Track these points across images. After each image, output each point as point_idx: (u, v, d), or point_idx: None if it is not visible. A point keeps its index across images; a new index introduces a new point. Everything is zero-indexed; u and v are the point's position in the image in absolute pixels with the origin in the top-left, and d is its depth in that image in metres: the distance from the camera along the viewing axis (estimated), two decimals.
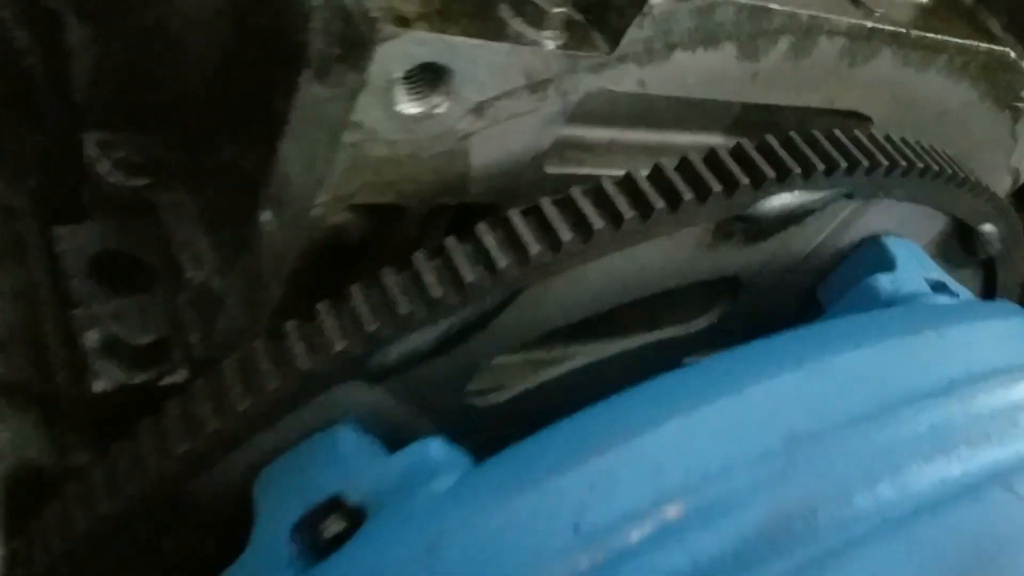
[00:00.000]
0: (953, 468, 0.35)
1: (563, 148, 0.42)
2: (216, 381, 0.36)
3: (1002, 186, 0.65)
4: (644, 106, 0.43)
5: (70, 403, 0.42)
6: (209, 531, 0.39)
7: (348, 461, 0.39)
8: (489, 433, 0.44)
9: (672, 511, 0.32)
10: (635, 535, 0.32)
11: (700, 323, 0.50)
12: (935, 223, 0.54)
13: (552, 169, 0.41)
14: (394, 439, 0.40)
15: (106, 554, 0.38)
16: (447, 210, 0.41)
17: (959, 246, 0.57)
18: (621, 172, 0.40)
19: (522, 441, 0.37)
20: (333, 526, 0.38)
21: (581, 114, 0.41)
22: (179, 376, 0.44)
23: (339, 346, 0.36)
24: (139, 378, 0.43)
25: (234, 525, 0.39)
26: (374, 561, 0.35)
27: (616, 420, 0.36)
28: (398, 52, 0.32)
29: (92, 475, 0.36)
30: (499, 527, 0.34)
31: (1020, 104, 0.60)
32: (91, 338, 0.43)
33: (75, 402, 0.42)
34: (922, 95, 0.52)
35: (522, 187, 0.41)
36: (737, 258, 0.46)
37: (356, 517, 0.38)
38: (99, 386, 0.42)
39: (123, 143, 0.53)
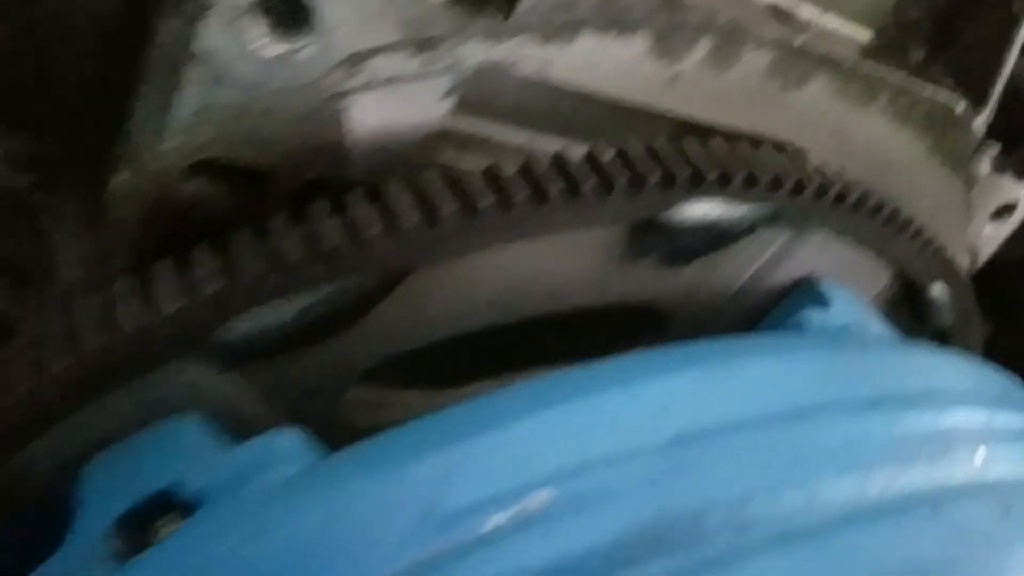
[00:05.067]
0: (872, 485, 0.29)
1: (460, 142, 0.39)
2: (31, 339, 0.31)
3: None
4: (555, 106, 0.40)
5: None
6: (28, 525, 0.34)
7: (186, 453, 0.33)
8: None
9: (538, 500, 0.27)
10: (493, 522, 0.27)
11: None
12: (878, 277, 0.50)
13: (446, 162, 0.38)
14: None
15: None
16: (323, 190, 0.37)
17: (908, 311, 0.54)
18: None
19: (379, 433, 0.32)
20: (169, 525, 0.33)
21: (481, 103, 0.38)
22: None
23: (171, 307, 0.31)
24: None
25: (44, 523, 0.33)
26: (191, 553, 0.29)
27: (483, 410, 0.31)
28: None
29: None
30: (337, 512, 0.28)
31: (972, 171, 0.57)
32: None
33: None
34: (863, 137, 0.50)
35: (410, 174, 0.37)
36: (655, 282, 0.42)
37: (187, 514, 0.33)
38: None
39: (10, 135, 0.50)
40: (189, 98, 0.31)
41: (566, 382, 0.31)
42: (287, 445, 0.33)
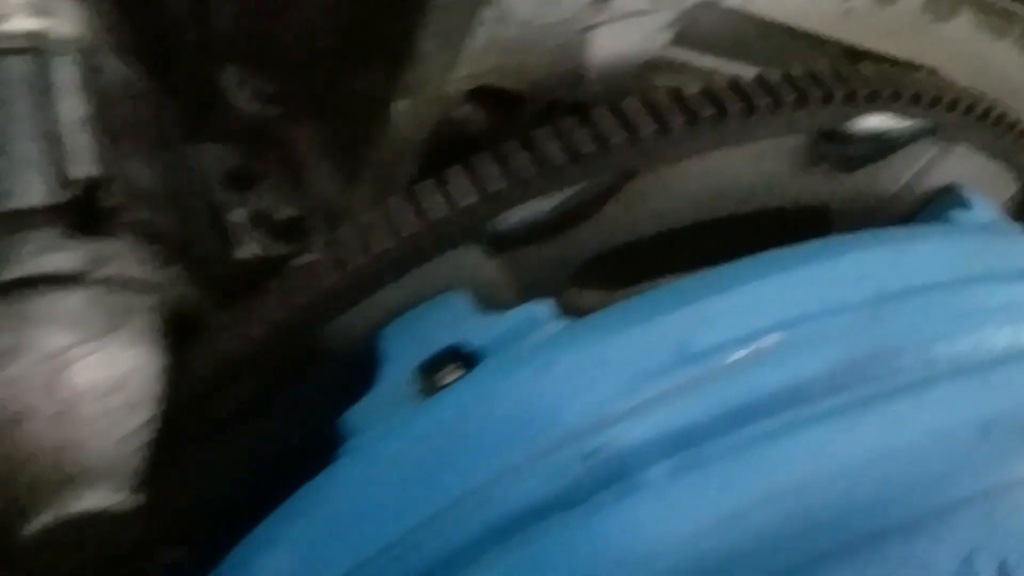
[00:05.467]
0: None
1: (670, 70, 0.47)
2: (361, 224, 0.40)
3: None
4: (747, 35, 0.47)
5: (213, 267, 0.47)
6: (339, 376, 0.43)
7: (465, 318, 0.43)
8: None
9: (769, 341, 0.36)
10: (734, 357, 0.35)
11: None
12: (1008, 186, 0.57)
13: (656, 80, 0.46)
14: None
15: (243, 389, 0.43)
16: (560, 109, 0.45)
17: None
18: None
19: (628, 298, 0.41)
20: (451, 375, 0.42)
21: (689, 38, 0.46)
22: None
23: (465, 202, 0.40)
24: (278, 251, 0.47)
25: (362, 372, 0.43)
26: (480, 392, 0.38)
27: (716, 277, 0.39)
28: None
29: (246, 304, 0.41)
30: (605, 352, 0.37)
31: None
32: (238, 213, 0.47)
33: (218, 267, 0.47)
34: (997, 66, 0.56)
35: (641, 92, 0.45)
36: (827, 186, 0.49)
37: (470, 365, 0.42)
38: (242, 253, 0.47)
39: (257, 75, 0.59)
40: (480, 35, 0.40)
41: (788, 254, 0.39)
42: (545, 312, 0.42)
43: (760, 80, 0.43)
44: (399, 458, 0.38)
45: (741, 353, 0.36)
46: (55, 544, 0.38)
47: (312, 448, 0.45)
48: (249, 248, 0.48)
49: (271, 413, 0.45)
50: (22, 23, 0.51)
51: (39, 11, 0.51)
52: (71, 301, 0.40)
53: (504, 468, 0.35)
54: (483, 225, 0.42)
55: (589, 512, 0.33)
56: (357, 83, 0.57)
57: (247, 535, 0.42)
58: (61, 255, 0.41)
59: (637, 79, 0.45)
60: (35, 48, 0.49)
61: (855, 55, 0.50)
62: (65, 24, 0.52)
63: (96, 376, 0.39)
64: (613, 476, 0.33)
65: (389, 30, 0.52)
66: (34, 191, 0.42)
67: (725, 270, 0.39)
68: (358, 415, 0.42)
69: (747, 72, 0.49)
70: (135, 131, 0.50)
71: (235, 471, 0.46)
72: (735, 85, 0.43)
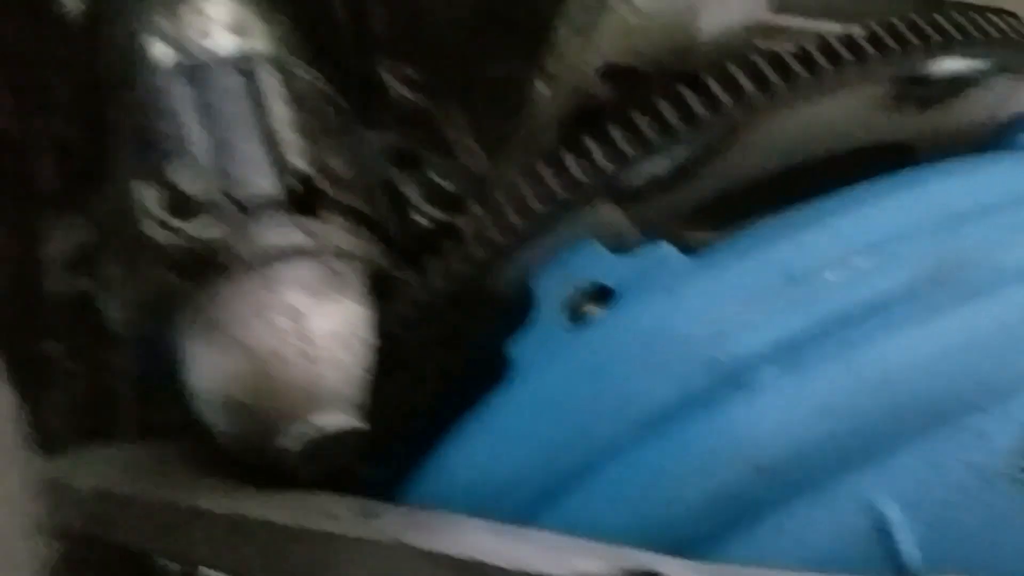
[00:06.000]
0: None
1: (768, 33, 0.54)
2: (515, 191, 0.50)
3: None
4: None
5: (394, 234, 0.58)
6: (499, 316, 0.54)
7: (601, 260, 0.52)
8: None
9: (858, 261, 0.44)
10: (831, 277, 0.43)
11: None
12: None
13: (760, 43, 0.54)
14: None
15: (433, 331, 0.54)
16: (674, 76, 0.54)
17: None
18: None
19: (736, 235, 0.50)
20: (590, 305, 0.52)
21: (785, 4, 0.53)
22: None
23: (600, 165, 0.49)
24: (445, 217, 0.58)
25: (521, 309, 0.53)
26: (629, 316, 0.48)
27: (812, 210, 0.47)
28: None
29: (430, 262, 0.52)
30: (723, 280, 0.46)
31: None
32: (414, 190, 0.58)
33: (398, 234, 0.58)
34: None
35: (732, 60, 0.53)
36: (911, 123, 0.56)
37: (608, 297, 0.52)
38: (420, 220, 0.57)
39: (408, 67, 0.69)
40: (609, 22, 0.49)
41: (873, 187, 0.47)
42: (668, 251, 0.51)
43: (845, 37, 0.50)
44: (563, 375, 0.49)
45: (834, 273, 0.44)
46: (308, 455, 0.50)
47: (483, 373, 0.56)
48: (422, 217, 0.58)
49: (453, 347, 0.56)
50: (224, 39, 0.62)
51: (235, 28, 0.63)
52: (304, 269, 0.52)
53: (646, 377, 0.45)
54: (614, 183, 0.51)
55: (715, 407, 0.42)
56: (497, 68, 0.66)
57: (439, 444, 0.53)
58: (292, 232, 0.52)
59: (741, 44, 0.53)
60: (241, 61, 0.61)
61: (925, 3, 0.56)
62: (258, 37, 0.64)
63: (328, 325, 0.50)
64: (733, 378, 0.42)
65: (525, 20, 0.61)
66: (263, 182, 0.54)
67: (819, 204, 0.47)
68: (521, 343, 0.52)
69: (831, 27, 0.57)
70: (326, 126, 0.61)
71: (425, 396, 0.58)
72: (823, 44, 0.50)
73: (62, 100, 0.71)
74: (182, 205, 0.49)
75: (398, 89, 0.69)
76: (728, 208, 0.57)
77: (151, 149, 0.55)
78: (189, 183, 0.50)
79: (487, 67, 0.69)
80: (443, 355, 0.56)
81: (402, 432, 0.57)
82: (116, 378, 0.66)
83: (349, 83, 0.71)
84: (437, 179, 0.59)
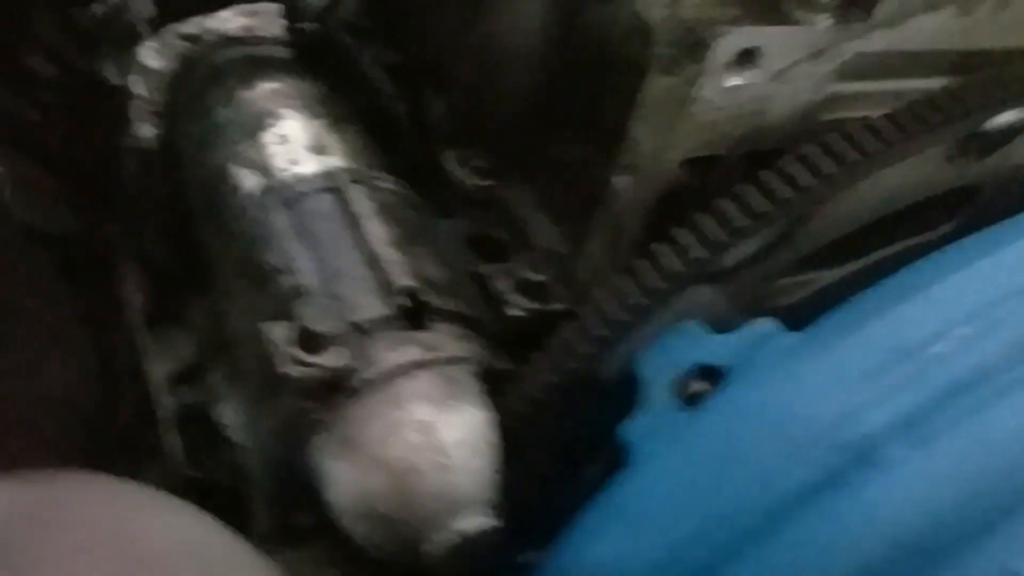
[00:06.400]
0: None
1: (830, 101, 0.57)
2: (615, 286, 0.53)
3: None
4: (886, 61, 0.57)
5: (491, 327, 0.61)
6: (604, 400, 0.57)
7: (703, 340, 0.55)
8: None
9: (960, 331, 0.47)
10: (939, 348, 0.46)
11: (944, 228, 0.63)
12: None
13: (823, 117, 0.57)
14: None
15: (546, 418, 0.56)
16: (745, 158, 0.57)
17: None
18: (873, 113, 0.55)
19: (835, 309, 0.53)
20: (699, 386, 0.55)
21: (845, 75, 0.56)
22: (559, 305, 0.61)
23: (695, 253, 0.52)
24: (536, 306, 0.61)
25: (626, 393, 0.56)
26: (744, 397, 0.51)
27: (910, 278, 0.50)
28: (728, 44, 0.49)
29: (539, 358, 0.55)
30: (835, 359, 0.49)
31: None
32: (504, 283, 0.61)
33: (495, 326, 0.61)
34: None
35: (801, 134, 0.56)
36: (973, 170, 0.59)
37: (715, 377, 0.54)
38: (513, 312, 0.60)
39: (472, 155, 0.72)
40: (687, 126, 0.51)
41: (959, 251, 0.50)
42: (770, 327, 0.54)
43: (909, 108, 0.53)
44: (686, 459, 0.51)
45: (942, 344, 0.47)
46: (453, 557, 0.53)
47: (594, 457, 0.58)
48: (514, 308, 0.61)
49: (564, 434, 0.59)
50: (309, 161, 0.65)
51: (316, 147, 0.66)
52: (424, 381, 0.55)
53: (776, 460, 0.48)
54: (708, 269, 0.54)
55: (850, 487, 0.45)
56: (558, 150, 0.69)
57: (566, 530, 0.56)
58: (409, 347, 0.55)
59: (811, 119, 0.56)
60: (328, 180, 0.63)
61: (975, 56, 0.59)
62: (337, 153, 0.67)
63: (457, 434, 0.54)
64: (864, 457, 0.44)
65: (580, 105, 0.64)
66: (374, 303, 0.57)
67: (914, 272, 0.50)
68: (634, 427, 0.55)
69: (887, 86, 0.59)
70: (414, 232, 0.64)
71: (543, 484, 0.60)
72: (891, 117, 0.53)
73: (148, 223, 0.75)
74: (311, 341, 0.52)
75: (466, 177, 0.73)
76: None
77: (266, 284, 0.59)
78: (314, 320, 0.53)
79: (549, 149, 0.72)
80: (556, 444, 0.59)
81: (528, 520, 0.60)
82: (237, 480, 0.70)
83: (416, 177, 0.74)
84: (525, 273, 0.61)
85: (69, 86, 0.88)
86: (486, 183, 0.71)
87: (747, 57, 0.50)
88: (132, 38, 0.85)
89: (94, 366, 0.93)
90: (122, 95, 0.83)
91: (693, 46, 0.50)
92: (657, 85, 0.53)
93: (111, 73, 0.85)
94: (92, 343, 0.93)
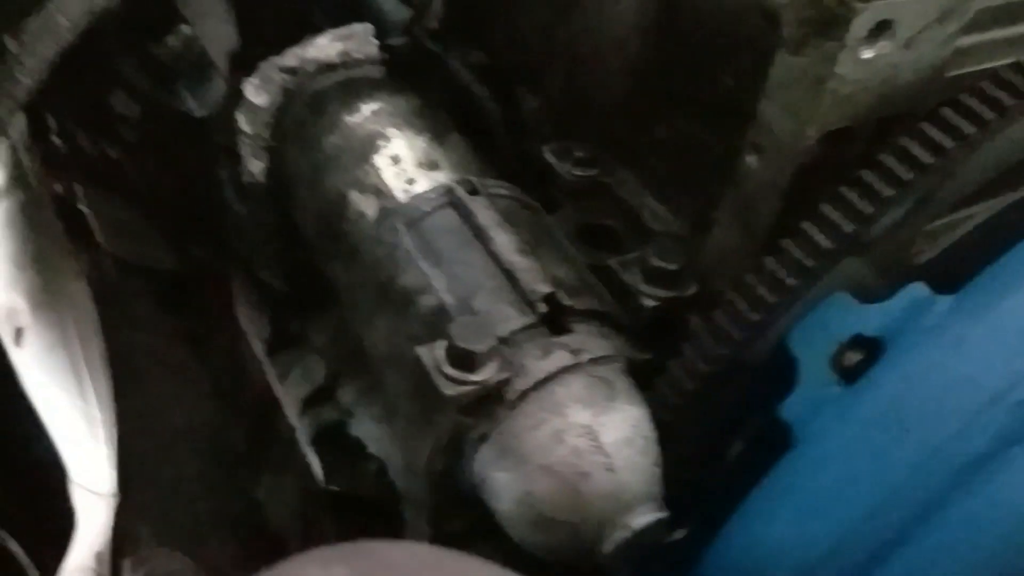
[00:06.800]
0: None
1: (955, 56, 0.56)
2: (766, 268, 0.53)
3: None
4: (1009, 9, 0.56)
5: (627, 319, 0.61)
6: (755, 383, 0.57)
7: (856, 311, 0.54)
8: None
9: None
10: None
11: None
12: None
13: (950, 73, 0.55)
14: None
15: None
16: (874, 125, 0.56)
17: None
18: (996, 63, 0.54)
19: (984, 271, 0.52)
20: (855, 357, 0.54)
21: (967, 27, 0.55)
22: (691, 290, 0.61)
23: (847, 228, 0.52)
24: (670, 294, 0.61)
25: (779, 373, 0.56)
26: (909, 366, 0.51)
27: None
28: (865, 19, 0.48)
29: (690, 347, 0.55)
30: (997, 321, 0.49)
31: None
32: (635, 274, 0.61)
33: (631, 317, 0.61)
34: None
35: (929, 93, 0.55)
36: None
37: (873, 348, 0.54)
38: (647, 303, 0.60)
39: (572, 146, 0.71)
40: (825, 103, 0.51)
41: None
42: (923, 292, 0.54)
43: None
44: (856, 435, 0.51)
45: None
46: (624, 551, 0.54)
47: (750, 438, 0.59)
48: (648, 299, 0.61)
49: (715, 419, 0.59)
50: (423, 178, 0.66)
51: (431, 166, 0.66)
52: (576, 384, 0.55)
53: (951, 426, 0.47)
54: (856, 241, 0.53)
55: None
56: (673, 134, 0.69)
57: (733, 512, 0.56)
58: (556, 353, 0.55)
59: (934, 78, 0.55)
60: (446, 194, 0.64)
61: None
62: (447, 165, 0.67)
63: (616, 433, 0.54)
64: None
65: (703, 90, 0.63)
66: (515, 314, 0.57)
67: None
68: (794, 406, 0.55)
69: (1005, 33, 0.58)
70: (536, 234, 0.64)
71: (699, 468, 0.61)
72: (1019, 67, 0.52)
73: (260, 254, 0.76)
74: (463, 359, 0.53)
75: (567, 169, 0.72)
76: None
77: (406, 306, 0.59)
78: (461, 337, 0.53)
79: (656, 132, 0.71)
80: (707, 430, 0.59)
81: (688, 502, 0.61)
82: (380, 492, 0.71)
83: (517, 177, 0.74)
84: (655, 262, 0.61)
85: (151, 122, 0.89)
86: (589, 173, 0.71)
87: (881, 29, 0.49)
88: (208, 69, 0.86)
89: (208, 393, 0.95)
90: (204, 127, 0.84)
91: (826, 24, 0.49)
92: (787, 65, 0.52)
93: (191, 106, 0.86)
94: (204, 371, 0.94)
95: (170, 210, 0.96)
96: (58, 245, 0.93)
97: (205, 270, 0.93)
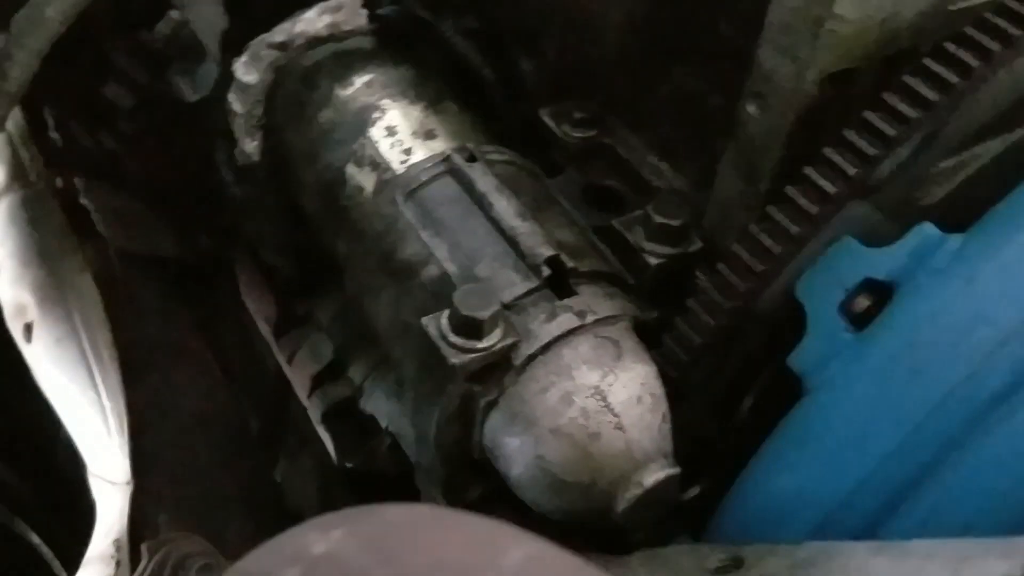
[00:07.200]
0: None
1: None
2: (771, 217, 0.52)
3: None
4: None
5: (633, 278, 0.60)
6: (763, 334, 0.56)
7: (864, 255, 0.53)
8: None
9: None
10: None
11: None
12: None
13: (953, 7, 0.54)
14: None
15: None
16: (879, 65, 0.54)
17: None
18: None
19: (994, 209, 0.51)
20: (865, 302, 0.53)
21: None
22: (696, 246, 0.60)
23: (851, 171, 0.51)
24: (674, 250, 0.60)
25: (788, 323, 0.55)
26: (923, 308, 0.50)
27: None
28: None
29: (696, 302, 0.54)
30: (1011, 261, 0.47)
31: None
32: (638, 232, 0.60)
33: (636, 275, 0.60)
34: None
35: (933, 29, 0.54)
36: None
37: (883, 292, 0.53)
38: (652, 260, 0.60)
39: (571, 108, 0.70)
40: (826, 44, 0.50)
41: None
42: (931, 232, 0.52)
43: None
44: (871, 380, 0.50)
45: None
46: (638, 509, 0.53)
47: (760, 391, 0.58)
48: (653, 256, 0.60)
49: (724, 373, 0.58)
50: (421, 148, 0.65)
51: (428, 135, 0.65)
52: (583, 345, 0.54)
53: (970, 365, 0.46)
54: (861, 184, 0.52)
55: None
56: (674, 88, 0.67)
57: (747, 465, 0.56)
58: (562, 316, 0.55)
59: (937, 12, 0.53)
60: (444, 163, 0.63)
61: None
62: (444, 134, 0.66)
63: (625, 392, 0.53)
64: None
65: (703, 40, 0.62)
66: (519, 279, 0.57)
67: None
68: (805, 356, 0.54)
69: None
70: (536, 197, 0.63)
71: (711, 423, 0.60)
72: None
73: (261, 235, 0.75)
74: (469, 327, 0.52)
75: (567, 131, 0.71)
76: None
77: (409, 277, 0.58)
78: (466, 305, 0.52)
79: (657, 88, 0.70)
80: (717, 384, 0.58)
81: (698, 457, 0.60)
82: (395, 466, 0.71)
83: (515, 141, 0.73)
84: (659, 219, 0.60)
85: (146, 110, 0.88)
86: (589, 133, 0.70)
87: None
88: (199, 53, 0.85)
89: (218, 375, 0.95)
90: (199, 111, 0.83)
91: None
92: (785, 6, 0.51)
93: (185, 91, 0.85)
94: (215, 356, 0.94)
95: (171, 198, 0.96)
96: (62, 239, 0.94)
97: (210, 256, 0.93)
